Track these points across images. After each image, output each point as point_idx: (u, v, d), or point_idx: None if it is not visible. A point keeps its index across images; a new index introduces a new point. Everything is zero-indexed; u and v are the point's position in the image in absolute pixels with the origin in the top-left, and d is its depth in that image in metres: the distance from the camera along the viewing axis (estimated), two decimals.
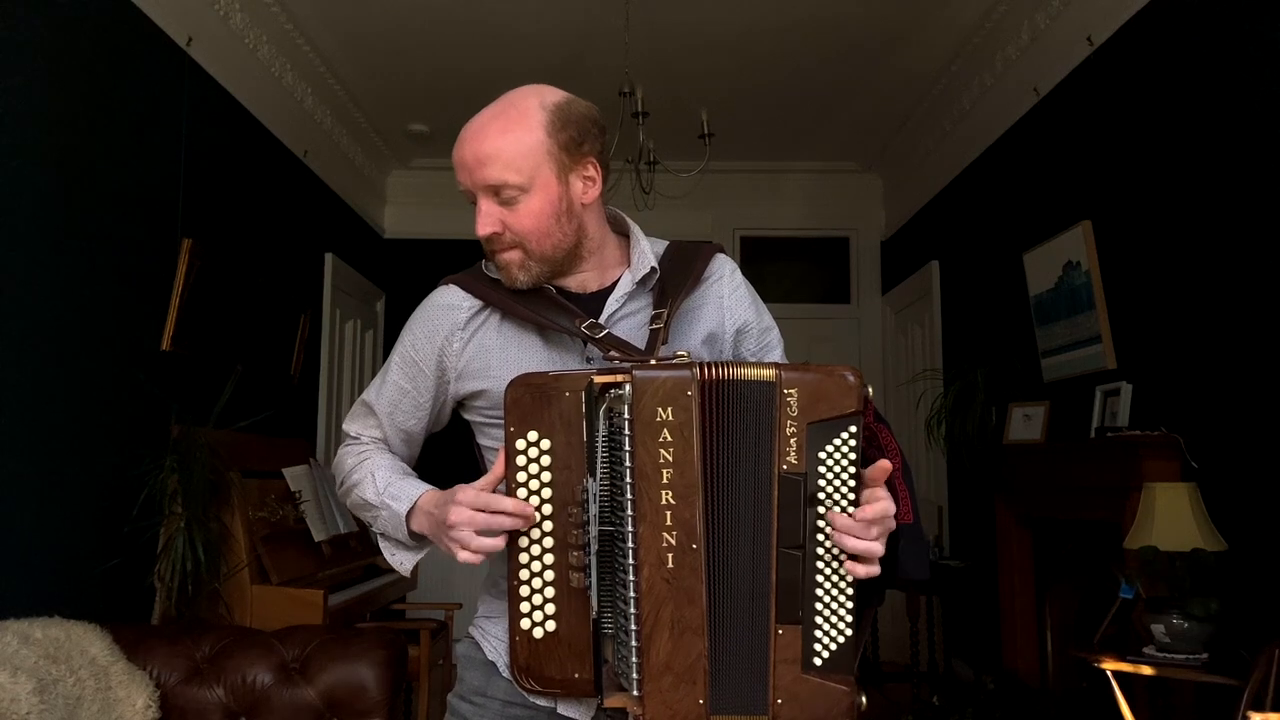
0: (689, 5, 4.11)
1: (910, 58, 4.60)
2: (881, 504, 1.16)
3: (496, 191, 1.26)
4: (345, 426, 1.47)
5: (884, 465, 1.16)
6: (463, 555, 1.19)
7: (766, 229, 6.30)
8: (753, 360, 1.39)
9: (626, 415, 1.14)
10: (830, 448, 1.16)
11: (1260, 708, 2.30)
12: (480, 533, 1.17)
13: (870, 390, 1.18)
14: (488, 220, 1.28)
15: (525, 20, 4.23)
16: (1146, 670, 2.68)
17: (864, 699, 1.17)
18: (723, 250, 1.44)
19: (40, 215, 2.72)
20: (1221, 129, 2.88)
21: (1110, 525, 3.17)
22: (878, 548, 1.15)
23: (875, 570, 1.15)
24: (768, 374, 1.16)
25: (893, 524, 1.18)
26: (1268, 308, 2.67)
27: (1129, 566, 2.85)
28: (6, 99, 2.59)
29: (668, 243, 1.43)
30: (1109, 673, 2.80)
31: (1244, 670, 2.43)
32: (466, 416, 1.41)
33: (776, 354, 1.43)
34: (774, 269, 6.31)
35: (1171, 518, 2.70)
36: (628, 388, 1.15)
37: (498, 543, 1.17)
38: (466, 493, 1.20)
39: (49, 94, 2.77)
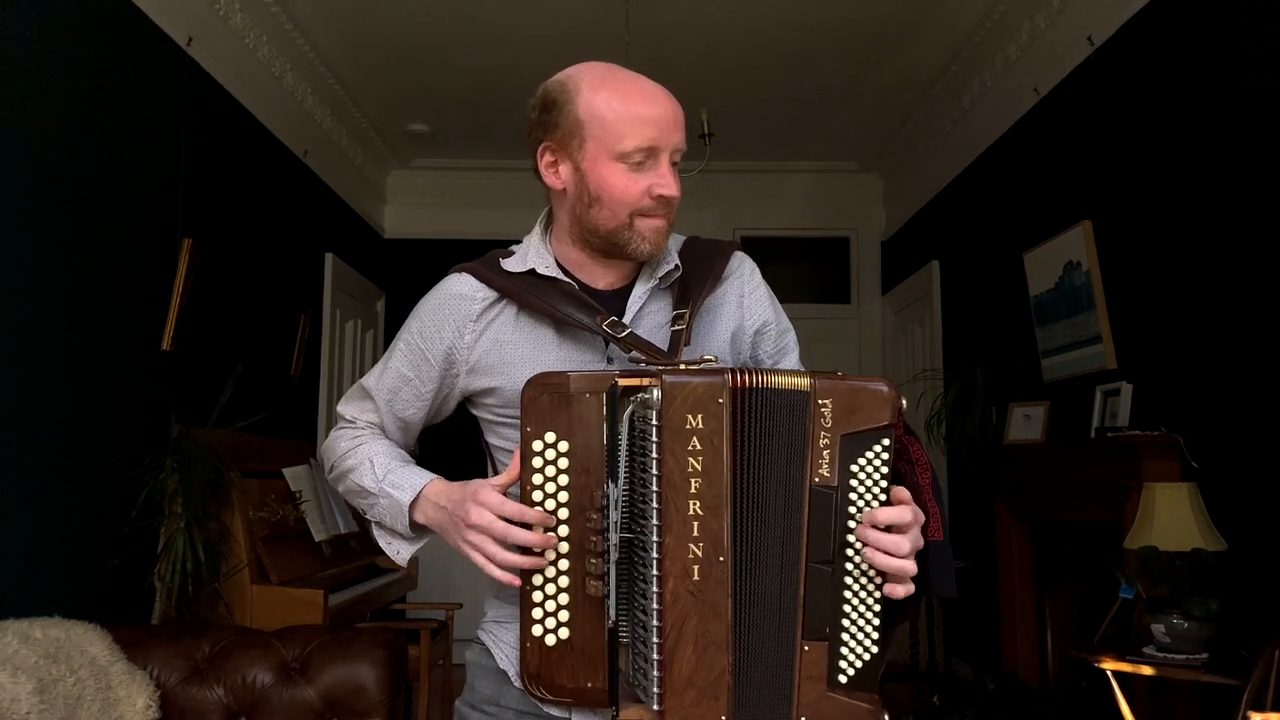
0: (689, 5, 4.11)
1: (910, 58, 4.60)
2: (899, 509, 1.12)
3: (675, 157, 1.24)
4: (339, 409, 1.41)
5: (903, 495, 1.13)
6: (492, 571, 1.13)
7: (766, 229, 6.29)
8: (784, 367, 1.33)
9: (654, 421, 1.09)
10: (863, 460, 1.12)
11: (1260, 708, 2.30)
12: (499, 542, 1.13)
13: (905, 403, 1.14)
14: (678, 180, 1.24)
15: (525, 20, 4.23)
16: (1146, 670, 2.68)
17: (887, 717, 1.14)
18: (741, 249, 1.40)
19: (40, 215, 2.72)
20: (1221, 129, 2.88)
21: (1110, 525, 3.17)
22: (910, 566, 1.10)
23: (909, 589, 1.11)
24: (803, 383, 1.12)
25: (920, 540, 1.13)
26: (1268, 308, 2.67)
27: (1129, 566, 2.85)
28: (6, 99, 2.59)
29: (684, 237, 1.39)
30: (1109, 673, 2.80)
31: (1244, 670, 2.43)
32: (475, 413, 1.34)
33: (793, 356, 1.38)
34: (774, 269, 6.17)
35: (1171, 518, 2.70)
36: (655, 392, 1.10)
37: (525, 560, 1.12)
38: (491, 495, 1.15)
39: (49, 94, 2.77)
